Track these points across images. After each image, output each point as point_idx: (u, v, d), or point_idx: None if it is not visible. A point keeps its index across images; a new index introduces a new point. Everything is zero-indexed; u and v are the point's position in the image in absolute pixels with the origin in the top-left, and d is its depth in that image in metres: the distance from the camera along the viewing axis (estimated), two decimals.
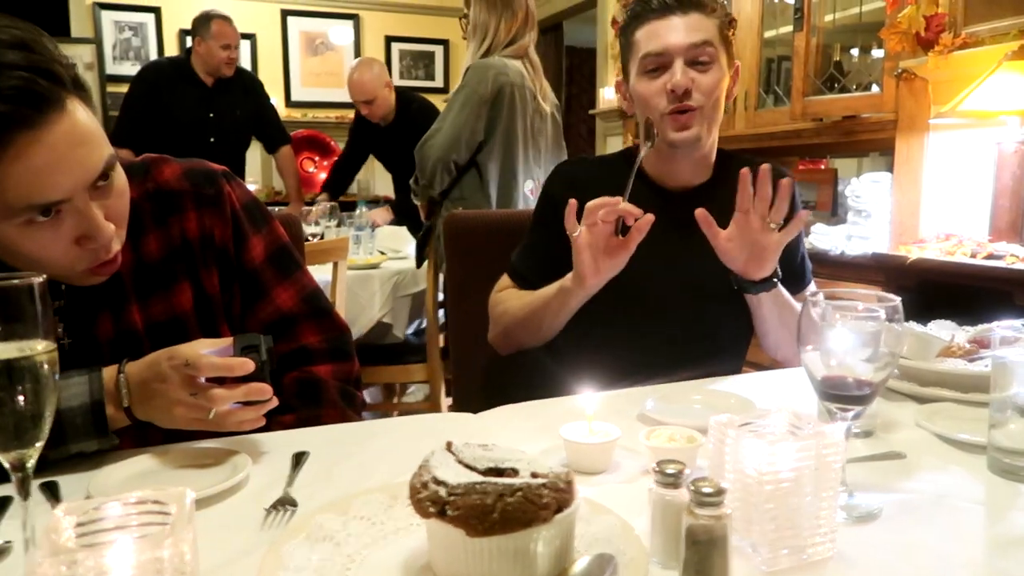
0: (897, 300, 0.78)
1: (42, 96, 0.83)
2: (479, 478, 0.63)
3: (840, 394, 0.78)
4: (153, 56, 5.22)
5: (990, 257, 2.18)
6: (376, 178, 5.74)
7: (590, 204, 1.17)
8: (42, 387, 0.61)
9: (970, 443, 0.94)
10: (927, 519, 0.78)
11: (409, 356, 2.68)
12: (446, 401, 2.63)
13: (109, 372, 0.94)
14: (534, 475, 0.64)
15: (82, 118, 0.88)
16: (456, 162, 2.51)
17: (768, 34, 3.43)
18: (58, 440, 0.89)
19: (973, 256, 2.23)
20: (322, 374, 1.17)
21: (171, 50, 5.29)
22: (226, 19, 3.56)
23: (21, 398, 0.60)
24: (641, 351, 1.35)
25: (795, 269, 1.41)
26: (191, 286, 1.10)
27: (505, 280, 1.45)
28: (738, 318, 1.38)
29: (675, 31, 1.29)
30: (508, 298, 1.40)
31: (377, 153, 3.91)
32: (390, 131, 3.60)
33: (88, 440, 0.91)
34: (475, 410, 1.14)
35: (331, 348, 1.19)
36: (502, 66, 2.51)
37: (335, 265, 2.30)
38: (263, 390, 0.92)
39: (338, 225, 3.11)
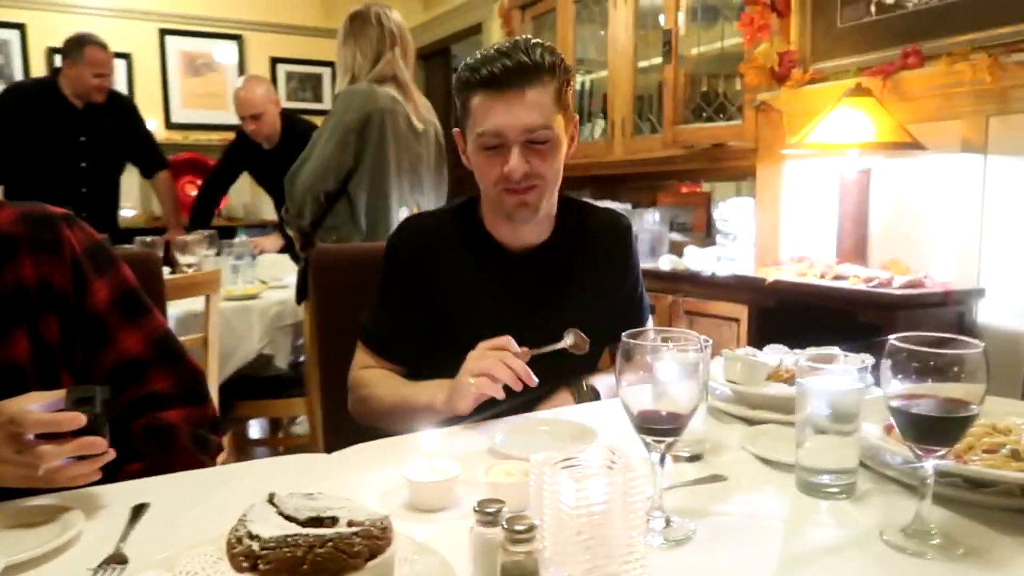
0: (703, 338, 0.85)
1: None
2: (297, 529, 0.65)
3: (652, 427, 0.85)
4: (18, 76, 4.94)
5: (836, 278, 2.36)
6: (264, 202, 5.62)
7: (487, 350, 1.19)
8: None
9: (783, 463, 1.02)
10: (736, 538, 0.85)
11: (291, 389, 2.65)
12: (323, 438, 2.60)
13: None
14: (351, 523, 0.66)
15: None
16: (325, 192, 2.50)
17: (642, 63, 3.59)
18: None
19: (822, 277, 2.40)
20: (173, 419, 1.15)
21: (38, 70, 5.02)
22: (101, 45, 3.42)
23: None
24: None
25: (634, 319, 1.50)
26: (27, 335, 1.06)
27: (364, 355, 1.40)
28: (581, 364, 1.40)
29: (511, 112, 1.25)
30: (373, 382, 1.37)
31: (259, 176, 3.83)
32: (274, 153, 3.53)
33: None
34: (346, 445, 1.16)
35: (182, 392, 1.18)
36: (369, 92, 2.51)
37: (207, 298, 2.25)
38: (95, 444, 0.91)
39: (217, 254, 3.03)
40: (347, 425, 1.60)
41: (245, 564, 0.62)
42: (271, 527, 0.65)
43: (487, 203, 1.39)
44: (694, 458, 1.07)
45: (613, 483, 0.74)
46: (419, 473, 0.93)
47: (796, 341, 1.52)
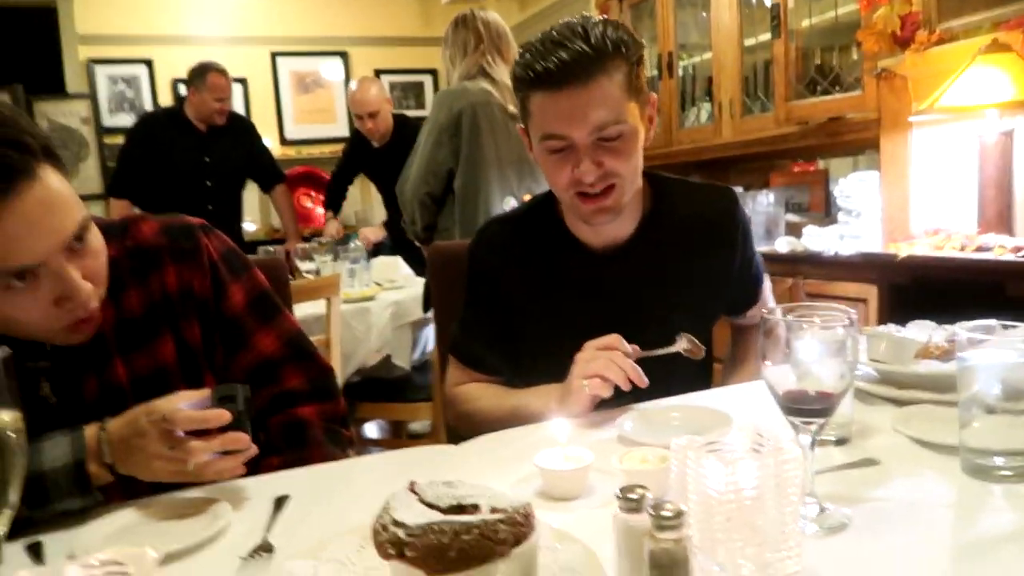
0: (852, 312, 0.79)
1: (12, 167, 0.86)
2: (440, 517, 0.64)
3: (801, 408, 0.79)
4: (148, 107, 5.29)
5: (979, 249, 2.18)
6: (374, 207, 5.79)
7: (595, 349, 1.13)
8: (9, 457, 0.63)
9: (943, 445, 0.94)
10: (898, 526, 0.78)
11: (413, 393, 2.69)
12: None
13: (91, 430, 0.96)
14: (493, 510, 0.65)
15: (54, 184, 0.91)
16: (430, 194, 2.51)
17: (748, 41, 3.45)
18: (42, 500, 0.91)
19: (962, 249, 2.23)
20: (306, 415, 1.18)
21: (165, 99, 5.36)
22: (222, 72, 3.63)
23: None
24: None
25: (745, 293, 1.46)
26: (173, 339, 1.12)
27: (456, 371, 1.36)
28: (681, 362, 1.25)
29: (575, 112, 1.13)
30: (474, 396, 1.33)
31: (372, 174, 4.03)
32: (386, 151, 3.70)
33: (72, 499, 0.93)
34: (467, 439, 1.16)
35: (314, 389, 1.21)
36: (459, 90, 2.52)
37: (328, 301, 2.32)
38: (240, 439, 0.94)
39: (334, 260, 3.14)
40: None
41: (392, 551, 0.62)
42: (415, 515, 0.64)
43: (563, 204, 1.31)
44: (841, 441, 1.00)
45: (764, 466, 0.70)
46: (552, 461, 0.91)
47: (936, 319, 1.41)
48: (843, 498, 0.84)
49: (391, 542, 0.62)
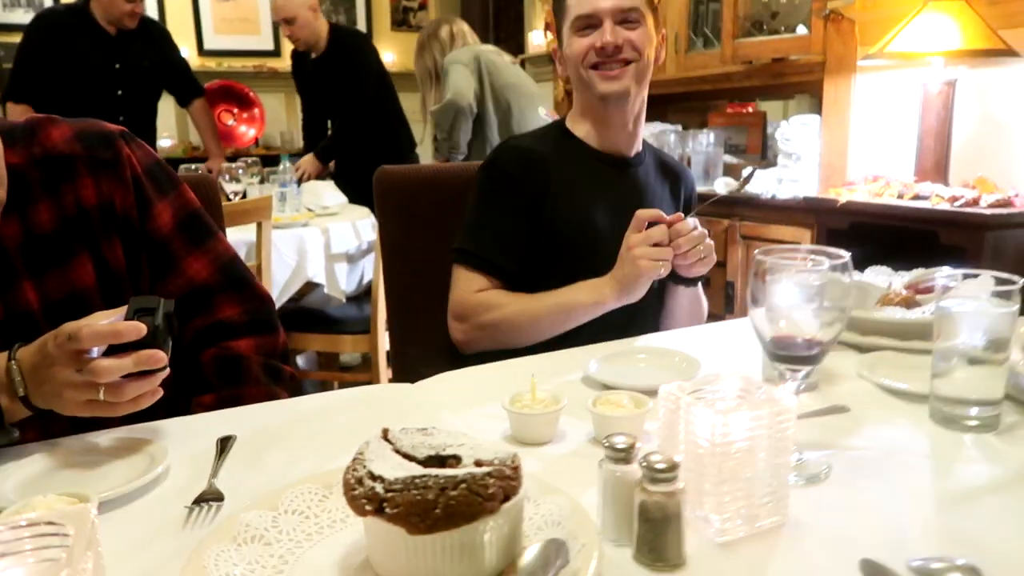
0: (846, 255, 0.75)
1: None
2: (419, 469, 0.58)
3: (790, 355, 0.76)
4: (48, 2, 4.83)
5: (916, 198, 2.22)
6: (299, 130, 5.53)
7: (652, 226, 1.20)
8: None
9: (912, 393, 0.94)
10: (876, 476, 0.77)
11: (349, 325, 2.59)
12: (385, 371, 2.55)
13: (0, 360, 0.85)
14: (478, 463, 0.59)
15: None
16: (471, 107, 3.02)
17: None
18: None
19: (900, 197, 2.27)
20: (243, 349, 1.10)
21: None
22: None
23: None
24: (570, 338, 1.28)
25: None
26: (91, 259, 1.01)
27: (471, 278, 1.31)
28: (657, 298, 1.44)
29: None
30: (502, 303, 1.29)
31: (303, 88, 3.81)
32: (321, 62, 3.52)
33: None
34: (415, 379, 1.09)
35: (252, 320, 1.12)
36: (463, 50, 3.16)
37: (259, 225, 2.18)
38: (155, 357, 0.82)
39: (261, 182, 2.96)
40: (413, 357, 1.54)
41: (368, 507, 0.56)
42: (392, 467, 0.58)
43: (580, 104, 1.41)
44: (809, 388, 0.99)
45: (758, 417, 0.66)
46: (522, 404, 0.86)
47: (875, 265, 1.43)
48: (818, 446, 0.82)
49: (367, 497, 0.56)
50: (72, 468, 0.82)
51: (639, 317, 1.32)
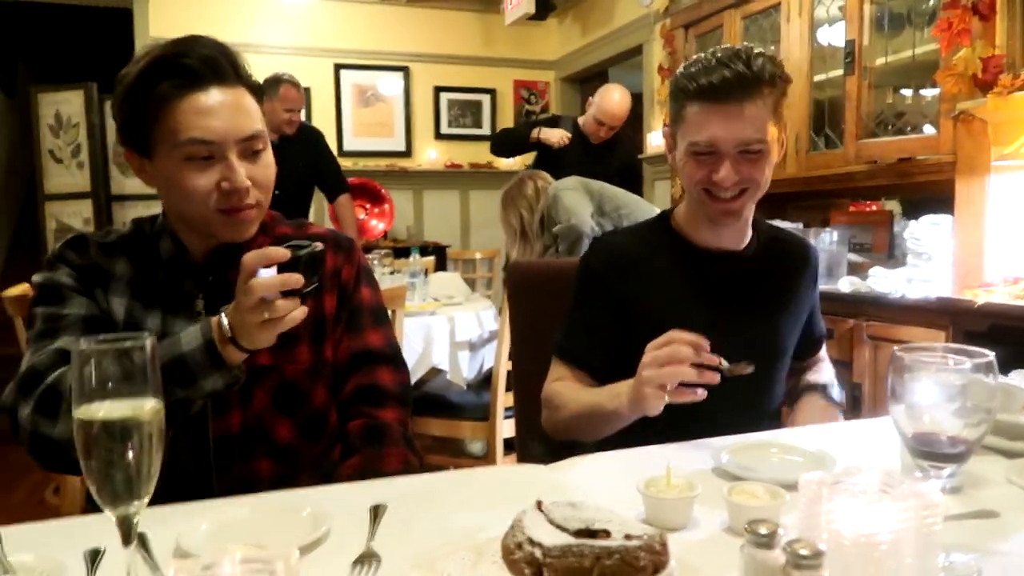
0: (990, 354, 0.76)
1: (222, 70, 1.12)
2: (572, 540, 0.63)
3: (932, 451, 0.77)
4: None
5: None
6: (429, 226, 5.88)
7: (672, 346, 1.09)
8: (151, 444, 0.63)
9: None
10: None
11: (469, 411, 2.68)
12: (502, 459, 2.58)
13: (215, 318, 1.05)
14: (628, 536, 0.63)
15: (246, 99, 1.15)
16: (593, 230, 2.98)
17: (818, 77, 3.42)
18: (189, 379, 1.03)
19: None
20: (388, 418, 1.25)
21: None
22: (294, 83, 3.68)
23: (131, 454, 0.62)
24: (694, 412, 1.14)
25: (813, 339, 1.53)
26: (313, 302, 1.21)
27: (559, 368, 1.37)
28: (779, 382, 1.44)
29: (727, 126, 1.24)
30: (565, 393, 1.33)
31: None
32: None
33: (214, 376, 1.04)
34: (542, 462, 1.14)
35: (400, 392, 1.29)
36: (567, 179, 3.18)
37: (393, 313, 2.32)
38: (293, 279, 1.01)
39: (391, 273, 3.16)
40: (536, 445, 1.59)
41: (528, 571, 0.61)
42: (548, 535, 0.63)
43: (689, 205, 1.39)
44: (954, 490, 0.96)
45: (904, 511, 0.67)
46: (657, 489, 0.89)
47: (1019, 368, 1.38)
48: (966, 548, 0.81)
49: (527, 561, 0.61)
50: (248, 524, 0.91)
51: (760, 410, 1.35)
